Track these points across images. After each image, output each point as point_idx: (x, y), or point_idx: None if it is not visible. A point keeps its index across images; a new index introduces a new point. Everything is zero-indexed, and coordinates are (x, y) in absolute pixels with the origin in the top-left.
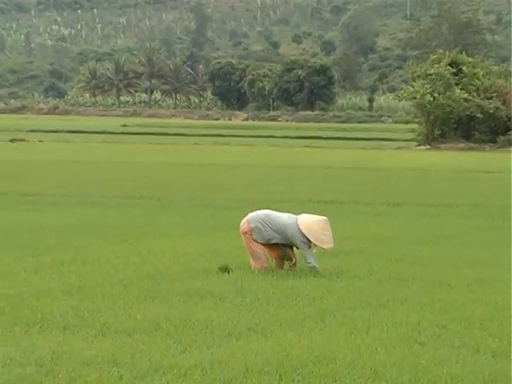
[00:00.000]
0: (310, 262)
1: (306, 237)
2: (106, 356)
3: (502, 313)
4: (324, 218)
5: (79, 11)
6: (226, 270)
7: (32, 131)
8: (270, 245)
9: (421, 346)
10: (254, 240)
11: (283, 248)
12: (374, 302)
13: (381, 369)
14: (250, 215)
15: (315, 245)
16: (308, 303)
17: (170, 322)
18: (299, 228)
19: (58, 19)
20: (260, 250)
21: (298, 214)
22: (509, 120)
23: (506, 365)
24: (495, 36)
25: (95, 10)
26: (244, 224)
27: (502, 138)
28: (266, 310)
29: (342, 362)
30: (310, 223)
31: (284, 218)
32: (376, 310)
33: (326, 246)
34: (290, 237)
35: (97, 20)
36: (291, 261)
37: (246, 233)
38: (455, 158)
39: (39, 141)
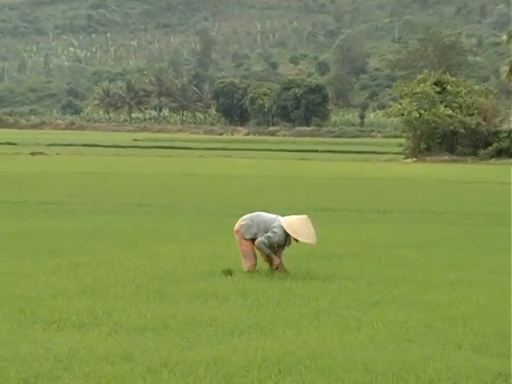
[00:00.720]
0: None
1: (284, 232)
2: (119, 352)
3: (484, 311)
4: (305, 216)
5: (94, 35)
6: (228, 272)
7: (50, 145)
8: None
9: (408, 343)
10: (243, 237)
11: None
12: (365, 302)
13: (371, 364)
14: (244, 216)
15: (296, 240)
16: (304, 303)
17: (178, 321)
18: (281, 224)
19: (74, 42)
20: (249, 248)
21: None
22: (489, 135)
23: (486, 360)
24: (476, 58)
25: (108, 33)
26: (237, 223)
27: (482, 151)
28: (265, 309)
29: (336, 358)
30: (290, 220)
31: (270, 216)
32: (367, 310)
33: (302, 239)
34: (270, 229)
35: (110, 43)
36: (274, 267)
37: (237, 231)
38: (440, 170)
39: (57, 154)
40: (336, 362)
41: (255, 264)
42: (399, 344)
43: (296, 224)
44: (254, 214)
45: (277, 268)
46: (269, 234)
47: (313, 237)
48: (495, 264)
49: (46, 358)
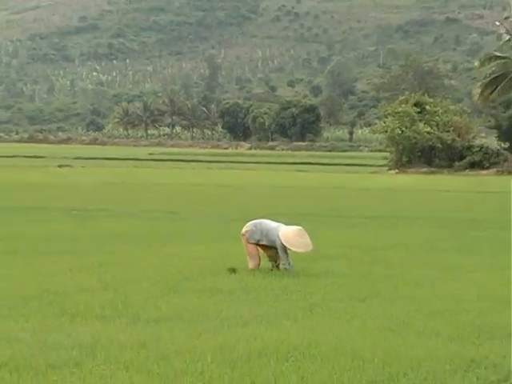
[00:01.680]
0: (283, 263)
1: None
2: (136, 340)
3: (458, 305)
4: (299, 227)
5: (114, 61)
6: (232, 271)
7: (76, 158)
8: (262, 246)
9: (391, 333)
10: (248, 241)
11: (273, 249)
12: (353, 297)
13: (359, 351)
14: (249, 222)
15: (289, 248)
16: (300, 298)
17: (189, 313)
18: (278, 235)
19: (97, 67)
20: (254, 250)
21: (291, 224)
22: (463, 149)
23: (460, 347)
24: (452, 81)
25: (127, 60)
26: (243, 228)
27: (457, 163)
28: (265, 303)
29: (328, 346)
30: (286, 232)
31: (272, 225)
32: (355, 304)
33: (293, 249)
34: (272, 240)
35: (128, 68)
36: (275, 262)
37: (243, 235)
38: (419, 180)
39: (81, 166)
40: (327, 350)
41: (259, 264)
42: (383, 334)
43: (291, 235)
44: (258, 221)
45: (277, 267)
46: (278, 249)
47: (305, 246)
48: (470, 264)
49: (72, 345)
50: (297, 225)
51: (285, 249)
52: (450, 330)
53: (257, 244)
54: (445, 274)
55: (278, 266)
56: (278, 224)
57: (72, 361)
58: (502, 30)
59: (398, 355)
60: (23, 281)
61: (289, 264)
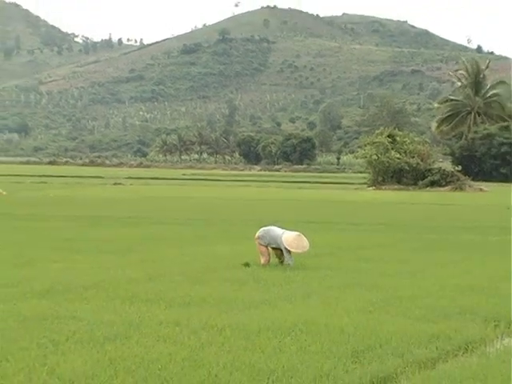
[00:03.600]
0: (286, 260)
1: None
2: (172, 319)
3: (426, 291)
4: (298, 233)
5: (156, 103)
6: (247, 265)
7: (126, 178)
8: (272, 247)
9: (370, 314)
10: (260, 243)
11: (279, 249)
12: (341, 286)
13: (345, 328)
14: (261, 228)
15: (288, 250)
16: (299, 286)
17: (212, 298)
18: (282, 239)
19: (143, 108)
20: (265, 250)
21: (293, 230)
22: (425, 171)
23: (423, 324)
24: (416, 118)
25: (166, 102)
26: (257, 233)
27: (420, 182)
28: (272, 290)
29: (320, 324)
30: (287, 237)
31: (277, 232)
32: (342, 291)
33: (293, 250)
34: (278, 244)
35: (167, 108)
36: (280, 259)
37: (256, 238)
38: (391, 195)
39: (130, 184)
40: (320, 326)
41: (269, 260)
42: (364, 314)
43: (291, 239)
44: (267, 228)
45: (281, 263)
46: (284, 250)
47: (302, 248)
48: (432, 260)
49: (122, 323)
50: (296, 230)
51: (287, 250)
52: (415, 311)
53: (267, 246)
54: (413, 268)
55: (282, 262)
56: (282, 231)
57: (122, 334)
58: (455, 79)
59: (374, 331)
60: (85, 273)
61: (291, 261)
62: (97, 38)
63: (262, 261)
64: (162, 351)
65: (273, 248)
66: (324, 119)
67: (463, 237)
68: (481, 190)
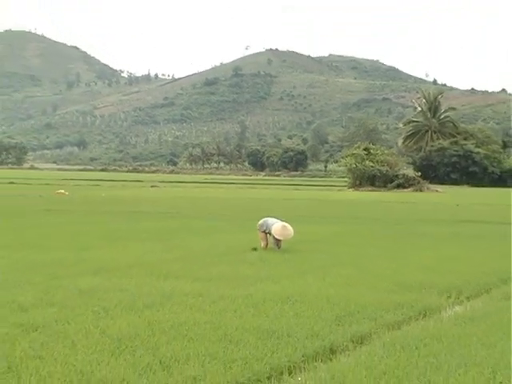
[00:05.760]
0: (276, 245)
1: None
2: (196, 291)
3: (394, 270)
4: (284, 223)
5: (184, 123)
6: (254, 249)
7: (161, 182)
8: (268, 234)
9: (349, 287)
10: (260, 231)
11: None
12: (328, 265)
13: (330, 298)
14: (262, 219)
15: (273, 235)
16: (295, 265)
17: (227, 275)
18: (271, 228)
19: (174, 128)
20: (264, 236)
21: (284, 221)
22: (392, 176)
23: (391, 295)
24: (386, 136)
25: (192, 123)
26: (257, 223)
27: (389, 185)
28: (274, 269)
29: (311, 295)
30: (276, 227)
31: (271, 221)
32: (329, 269)
33: (277, 237)
34: (270, 231)
35: (192, 128)
36: (277, 244)
37: (258, 228)
38: (367, 195)
39: (164, 186)
40: (311, 297)
41: (267, 245)
42: (345, 288)
43: (277, 229)
44: (266, 218)
45: (278, 247)
46: (273, 236)
47: (285, 236)
48: (399, 246)
49: (158, 294)
50: (286, 222)
51: (275, 237)
52: (385, 285)
53: (264, 232)
54: (382, 252)
55: (279, 248)
56: (275, 221)
57: (158, 303)
58: (416, 105)
59: (354, 300)
60: (129, 255)
61: (276, 246)
62: (138, 73)
63: (262, 244)
64: (188, 316)
65: (269, 234)
66: (314, 136)
67: (423, 228)
68: (436, 191)
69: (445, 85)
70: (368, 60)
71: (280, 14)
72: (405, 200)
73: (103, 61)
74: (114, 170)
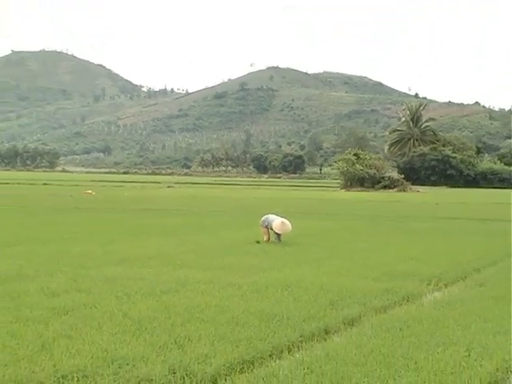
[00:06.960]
0: (277, 239)
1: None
2: (207, 279)
3: (380, 261)
4: (283, 219)
5: (196, 132)
6: (258, 242)
7: (176, 183)
8: (269, 228)
9: (340, 275)
10: (262, 226)
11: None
12: (322, 257)
13: (324, 285)
14: (263, 216)
15: (274, 230)
16: (293, 257)
17: (235, 265)
18: (272, 224)
19: (187, 135)
20: (265, 230)
21: (283, 217)
22: (379, 178)
23: (378, 283)
24: (374, 143)
25: (203, 131)
26: (260, 220)
27: (376, 186)
28: (276, 259)
29: (307, 282)
30: (276, 222)
31: (272, 218)
32: (323, 261)
33: (276, 231)
34: (271, 226)
35: (204, 136)
36: (278, 238)
37: (260, 223)
38: (357, 195)
39: (179, 187)
40: (307, 284)
41: (269, 238)
42: (336, 276)
43: (277, 224)
44: (266, 216)
45: (279, 240)
46: (274, 231)
47: (284, 230)
48: (386, 239)
49: (173, 281)
50: (285, 218)
51: (275, 231)
52: (373, 274)
53: (266, 227)
54: (371, 245)
55: (280, 241)
56: (276, 217)
57: (173, 289)
58: (400, 116)
59: (345, 287)
60: (148, 248)
61: (276, 239)
62: (156, 88)
63: (264, 238)
64: (200, 300)
65: (271, 229)
66: (311, 143)
67: (407, 223)
68: (418, 191)
69: (425, 98)
70: (357, 76)
71: (282, 33)
72: (390, 199)
73: (126, 77)
74: (135, 173)
